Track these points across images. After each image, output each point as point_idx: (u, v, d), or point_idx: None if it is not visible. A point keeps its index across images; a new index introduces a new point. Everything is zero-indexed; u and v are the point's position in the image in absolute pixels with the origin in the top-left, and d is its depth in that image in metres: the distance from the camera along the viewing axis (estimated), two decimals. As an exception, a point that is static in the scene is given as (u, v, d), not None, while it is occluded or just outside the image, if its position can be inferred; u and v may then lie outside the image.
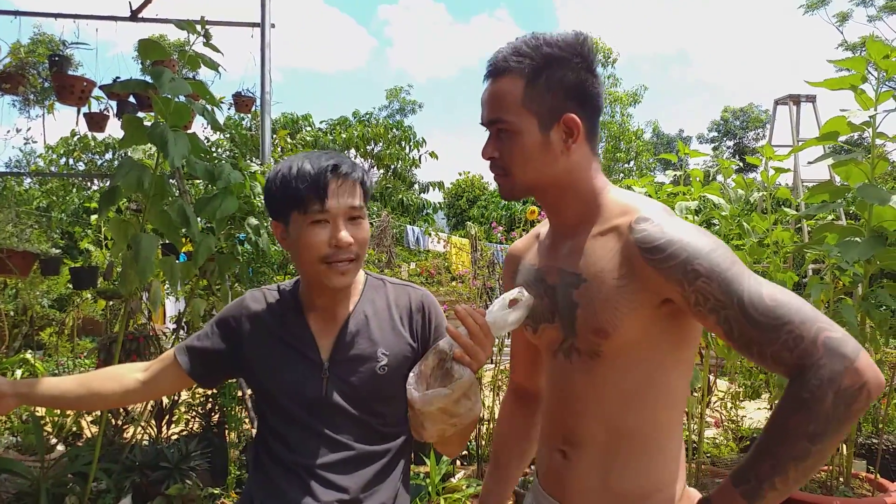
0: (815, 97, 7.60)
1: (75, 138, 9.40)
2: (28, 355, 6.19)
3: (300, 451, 1.32)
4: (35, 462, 3.56)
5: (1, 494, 3.35)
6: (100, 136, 8.72)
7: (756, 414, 4.75)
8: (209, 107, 3.16)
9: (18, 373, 5.91)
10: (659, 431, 1.18)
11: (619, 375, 1.17)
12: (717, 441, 4.00)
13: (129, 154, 3.94)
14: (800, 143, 6.89)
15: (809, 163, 4.52)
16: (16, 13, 4.10)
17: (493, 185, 25.13)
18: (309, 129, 10.94)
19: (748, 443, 4.04)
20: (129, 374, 1.48)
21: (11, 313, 6.39)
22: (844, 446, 3.41)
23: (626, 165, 22.72)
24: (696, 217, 3.24)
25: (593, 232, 1.18)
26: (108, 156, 9.56)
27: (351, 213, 1.33)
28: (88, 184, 9.45)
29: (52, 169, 8.45)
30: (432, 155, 11.32)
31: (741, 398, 4.23)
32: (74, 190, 8.26)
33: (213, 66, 3.21)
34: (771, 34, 64.05)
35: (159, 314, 4.67)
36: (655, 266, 1.07)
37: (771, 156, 3.70)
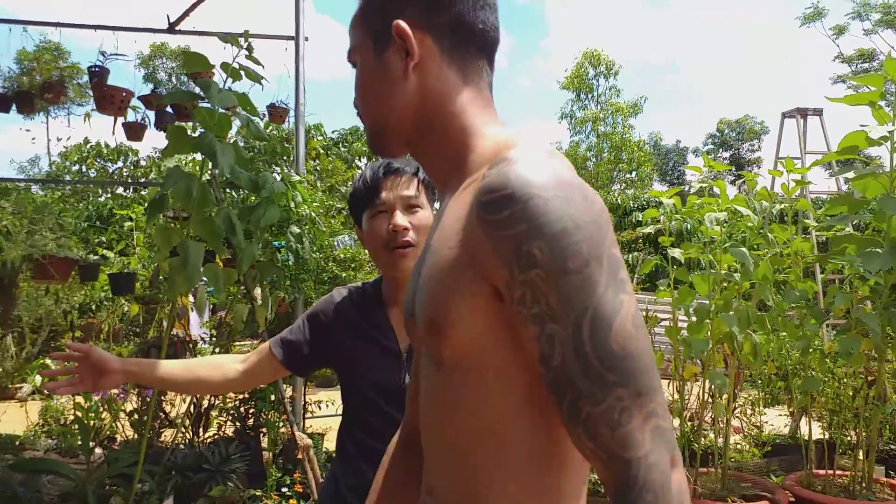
0: (822, 111, 7.71)
1: (88, 146, 9.44)
2: (49, 361, 6.25)
3: (378, 437, 1.41)
4: (76, 464, 3.62)
5: (44, 496, 3.42)
6: (112, 144, 8.75)
7: (776, 420, 4.85)
8: (253, 118, 3.26)
9: (38, 378, 6.01)
10: None
11: (455, 404, 0.81)
12: (740, 447, 4.10)
13: (166, 163, 4.04)
14: (808, 156, 7.01)
15: (830, 175, 4.65)
16: (57, 24, 4.20)
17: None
18: (320, 138, 11.03)
19: (769, 448, 4.14)
20: (230, 364, 1.60)
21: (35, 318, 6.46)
22: (864, 452, 3.51)
23: (628, 176, 23.01)
24: (722, 227, 3.34)
25: (461, 187, 0.83)
26: (120, 163, 9.63)
27: (406, 201, 1.47)
28: (100, 191, 9.53)
29: (66, 176, 8.54)
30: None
31: (762, 405, 4.32)
32: (90, 196, 8.35)
33: (256, 78, 3.31)
34: (767, 45, 64.66)
35: (185, 320, 4.76)
36: (486, 230, 0.73)
37: (792, 169, 3.80)
